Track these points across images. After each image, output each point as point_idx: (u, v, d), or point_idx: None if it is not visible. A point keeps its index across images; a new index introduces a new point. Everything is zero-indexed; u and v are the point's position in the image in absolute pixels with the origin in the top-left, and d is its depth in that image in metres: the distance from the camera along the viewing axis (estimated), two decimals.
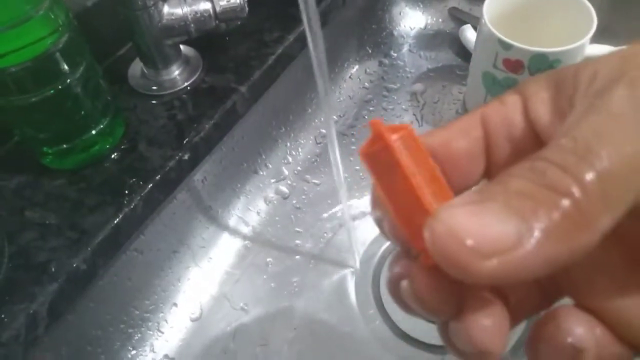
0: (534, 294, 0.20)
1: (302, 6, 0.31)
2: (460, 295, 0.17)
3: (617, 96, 0.15)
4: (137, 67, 0.56)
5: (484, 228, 0.14)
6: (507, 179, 0.15)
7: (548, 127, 0.18)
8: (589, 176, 0.14)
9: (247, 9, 0.53)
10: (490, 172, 0.20)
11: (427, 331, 0.55)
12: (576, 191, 0.14)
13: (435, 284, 0.17)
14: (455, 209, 0.14)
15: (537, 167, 0.15)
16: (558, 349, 0.16)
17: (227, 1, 0.52)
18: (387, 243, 0.61)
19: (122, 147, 0.51)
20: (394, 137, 0.16)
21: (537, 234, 0.14)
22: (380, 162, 0.17)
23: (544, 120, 0.18)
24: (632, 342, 0.17)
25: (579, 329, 0.16)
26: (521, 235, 0.14)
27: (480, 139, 0.19)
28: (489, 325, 0.16)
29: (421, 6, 0.81)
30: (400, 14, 0.81)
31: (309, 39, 0.34)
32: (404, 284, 0.18)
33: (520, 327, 0.55)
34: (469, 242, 0.14)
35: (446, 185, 0.17)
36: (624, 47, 0.18)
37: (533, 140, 0.19)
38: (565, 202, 0.14)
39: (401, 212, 0.17)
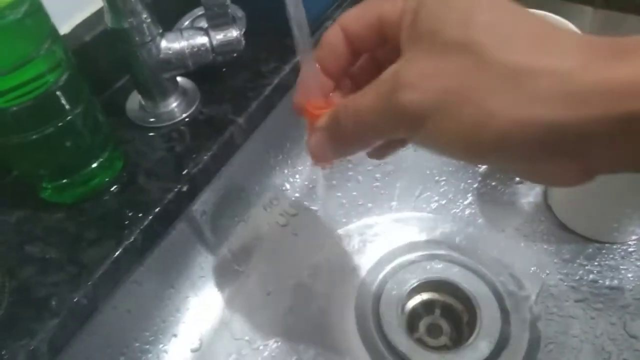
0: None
1: (295, 37, 0.32)
2: None
3: (379, 94, 0.27)
4: (135, 100, 0.57)
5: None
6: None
7: (403, 33, 0.28)
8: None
9: (243, 42, 0.54)
10: (384, 43, 0.31)
11: (428, 357, 0.55)
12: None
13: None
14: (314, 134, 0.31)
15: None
16: None
17: (224, 35, 0.52)
18: (387, 270, 0.62)
19: (121, 180, 0.51)
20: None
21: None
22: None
23: (404, 26, 0.28)
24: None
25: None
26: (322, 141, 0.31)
27: (377, 27, 0.30)
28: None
29: None
30: None
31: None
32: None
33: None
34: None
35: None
36: None
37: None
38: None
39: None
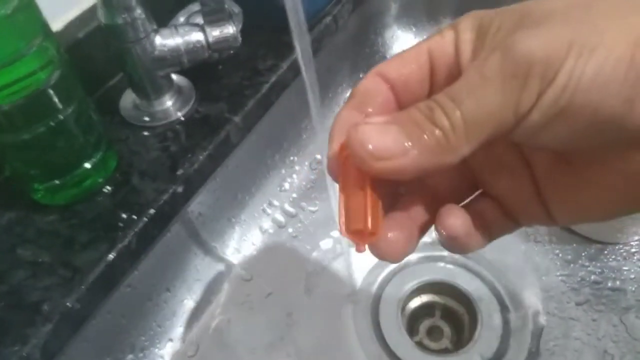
0: (458, 186, 0.27)
1: (294, 35, 0.31)
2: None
3: (492, 61, 0.21)
4: (129, 98, 0.56)
5: (381, 141, 0.21)
6: (412, 110, 0.22)
7: (467, 63, 0.24)
8: (457, 117, 0.21)
9: (240, 39, 0.52)
10: (433, 92, 0.25)
11: None
12: (447, 126, 0.21)
13: None
14: (369, 125, 0.22)
15: (430, 105, 0.22)
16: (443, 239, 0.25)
17: (220, 31, 0.51)
18: (386, 272, 0.61)
19: (115, 180, 0.50)
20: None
21: (415, 151, 0.21)
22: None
23: (465, 57, 0.24)
24: (516, 219, 0.26)
25: (453, 221, 0.24)
26: (406, 150, 0.21)
27: (427, 66, 0.25)
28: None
29: (413, 29, 0.81)
30: (392, 37, 0.81)
31: (302, 69, 0.33)
32: None
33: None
34: (369, 148, 0.21)
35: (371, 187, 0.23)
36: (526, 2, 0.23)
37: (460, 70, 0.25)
38: (439, 133, 0.21)
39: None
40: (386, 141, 0.21)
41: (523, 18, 0.22)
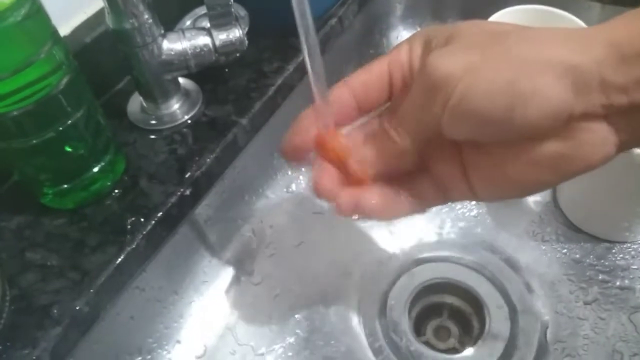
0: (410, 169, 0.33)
1: (302, 37, 0.31)
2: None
3: (416, 77, 0.28)
4: (136, 102, 0.56)
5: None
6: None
7: (417, 72, 0.30)
8: (400, 129, 0.29)
9: (246, 42, 0.52)
10: (392, 96, 0.33)
11: None
12: (397, 138, 0.30)
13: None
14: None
15: (384, 125, 0.30)
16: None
17: (227, 35, 0.51)
18: (393, 272, 0.61)
19: (123, 183, 0.50)
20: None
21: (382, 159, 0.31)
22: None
23: (416, 67, 0.31)
24: (446, 193, 0.33)
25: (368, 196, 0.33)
26: (378, 162, 0.32)
27: (386, 77, 0.32)
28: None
29: (418, 30, 0.81)
30: (397, 38, 0.81)
31: (309, 70, 0.33)
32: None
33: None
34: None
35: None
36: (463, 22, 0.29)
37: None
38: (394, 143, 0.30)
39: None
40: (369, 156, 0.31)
41: (451, 37, 0.28)
